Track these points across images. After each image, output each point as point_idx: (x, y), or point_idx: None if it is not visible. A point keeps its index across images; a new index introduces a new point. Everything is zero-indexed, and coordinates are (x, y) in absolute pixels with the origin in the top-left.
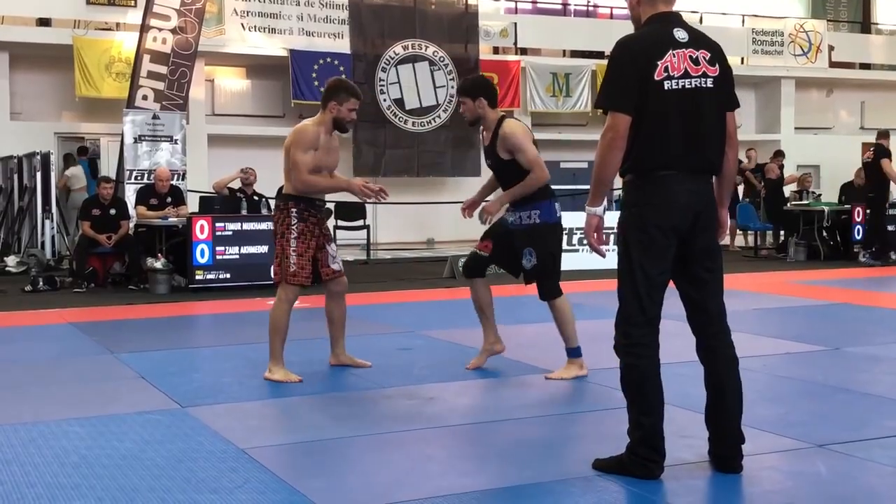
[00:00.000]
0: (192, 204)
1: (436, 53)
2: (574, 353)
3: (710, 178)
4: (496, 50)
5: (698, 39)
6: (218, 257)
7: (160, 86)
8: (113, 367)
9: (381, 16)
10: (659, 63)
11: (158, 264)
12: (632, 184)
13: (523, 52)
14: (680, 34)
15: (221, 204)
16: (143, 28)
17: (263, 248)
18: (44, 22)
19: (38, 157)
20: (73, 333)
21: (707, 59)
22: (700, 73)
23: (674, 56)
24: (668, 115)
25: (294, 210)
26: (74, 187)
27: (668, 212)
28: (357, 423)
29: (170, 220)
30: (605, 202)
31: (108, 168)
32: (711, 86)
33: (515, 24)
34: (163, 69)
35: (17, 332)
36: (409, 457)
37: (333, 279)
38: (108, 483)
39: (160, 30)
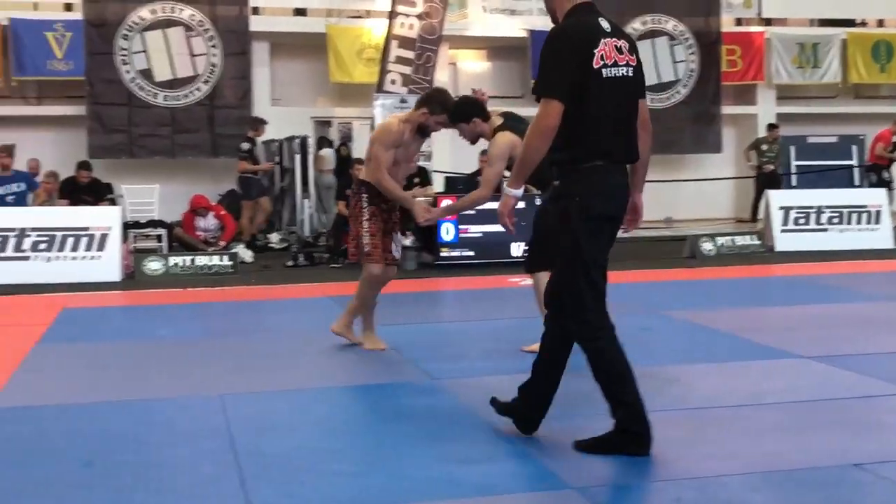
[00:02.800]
0: (438, 184)
1: (675, 27)
2: None
3: (627, 168)
4: (739, 21)
5: (617, 30)
6: (462, 235)
7: (407, 70)
8: None
9: None
10: (595, 51)
11: (407, 242)
12: (571, 173)
13: (767, 22)
14: (604, 24)
15: (465, 184)
16: (392, 14)
17: None
18: (300, 12)
19: (297, 141)
20: (330, 306)
21: (627, 48)
22: (624, 62)
23: (605, 45)
24: (606, 104)
25: (365, 195)
26: (324, 168)
27: (612, 201)
28: (598, 403)
29: (417, 199)
30: (523, 187)
31: (359, 150)
32: (631, 75)
33: None
34: (410, 54)
35: (281, 304)
36: (654, 437)
37: (389, 265)
38: (365, 447)
39: (407, 16)
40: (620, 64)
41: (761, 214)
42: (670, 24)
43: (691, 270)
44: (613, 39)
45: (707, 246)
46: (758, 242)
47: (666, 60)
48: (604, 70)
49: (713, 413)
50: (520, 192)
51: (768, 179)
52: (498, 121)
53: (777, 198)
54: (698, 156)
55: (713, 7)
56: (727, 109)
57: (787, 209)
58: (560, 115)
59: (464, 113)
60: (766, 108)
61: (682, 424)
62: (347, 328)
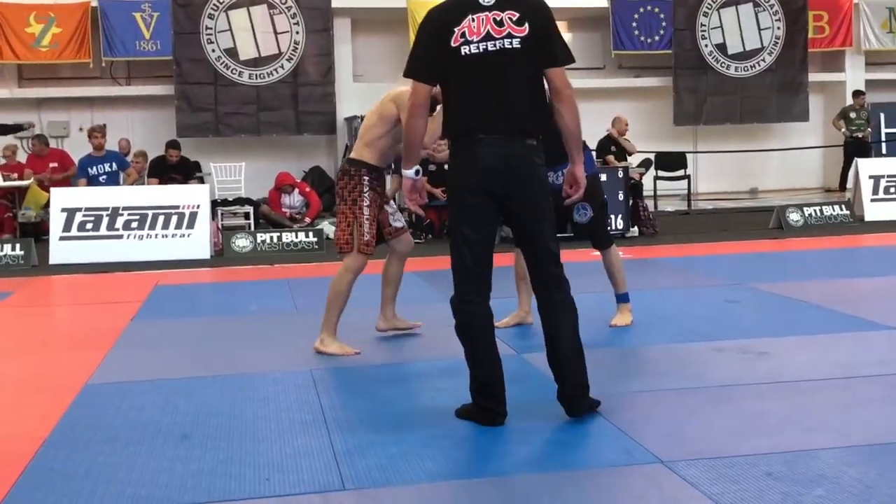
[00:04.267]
0: None
1: None
2: (624, 298)
3: (524, 140)
4: None
5: (506, 1)
6: None
7: None
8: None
9: None
10: (456, 29)
11: None
12: (450, 147)
13: None
14: None
15: None
16: None
17: None
18: None
19: None
20: (414, 281)
21: (514, 19)
22: (504, 34)
23: (473, 21)
24: (469, 81)
25: (366, 178)
26: None
27: (476, 173)
28: (690, 375)
29: None
30: (417, 166)
31: None
32: (518, 46)
33: None
34: None
35: (366, 279)
36: (744, 411)
37: (396, 237)
38: (453, 423)
39: None
40: (497, 36)
41: (850, 184)
42: None
43: (778, 242)
44: (493, 13)
45: (794, 217)
46: (846, 212)
47: (751, 27)
48: (463, 48)
49: (804, 386)
50: (410, 172)
51: (857, 148)
52: None
53: (867, 166)
54: (785, 125)
55: None
56: (814, 77)
57: (877, 178)
58: (426, 95)
59: None
60: (854, 75)
61: (772, 398)
62: (333, 339)
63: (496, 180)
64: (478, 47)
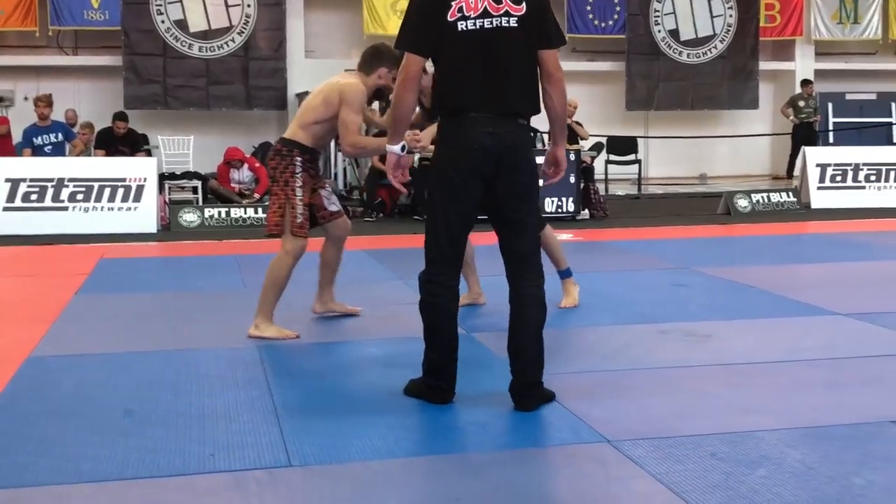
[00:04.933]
0: None
1: None
2: (566, 273)
3: (516, 120)
4: None
5: None
6: None
7: None
8: (402, 293)
9: None
10: (453, 4)
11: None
12: (439, 125)
13: None
14: None
15: None
16: None
17: None
18: None
19: None
20: (365, 260)
21: None
22: (502, 11)
23: None
24: (464, 57)
25: (299, 159)
26: None
27: (467, 154)
28: (635, 357)
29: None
30: (403, 141)
31: None
32: (515, 25)
33: None
34: None
35: (315, 257)
36: (688, 393)
37: (332, 221)
38: (401, 399)
39: None
40: (495, 14)
41: (797, 171)
42: None
43: (726, 227)
44: None
45: (742, 203)
46: (793, 199)
47: (703, 14)
48: (460, 23)
49: (749, 369)
50: (396, 147)
51: (805, 136)
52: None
53: (814, 155)
54: (734, 112)
55: None
56: (764, 65)
57: (823, 166)
58: (419, 68)
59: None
60: (804, 65)
61: (717, 380)
62: (270, 324)
63: (488, 160)
64: (475, 23)
